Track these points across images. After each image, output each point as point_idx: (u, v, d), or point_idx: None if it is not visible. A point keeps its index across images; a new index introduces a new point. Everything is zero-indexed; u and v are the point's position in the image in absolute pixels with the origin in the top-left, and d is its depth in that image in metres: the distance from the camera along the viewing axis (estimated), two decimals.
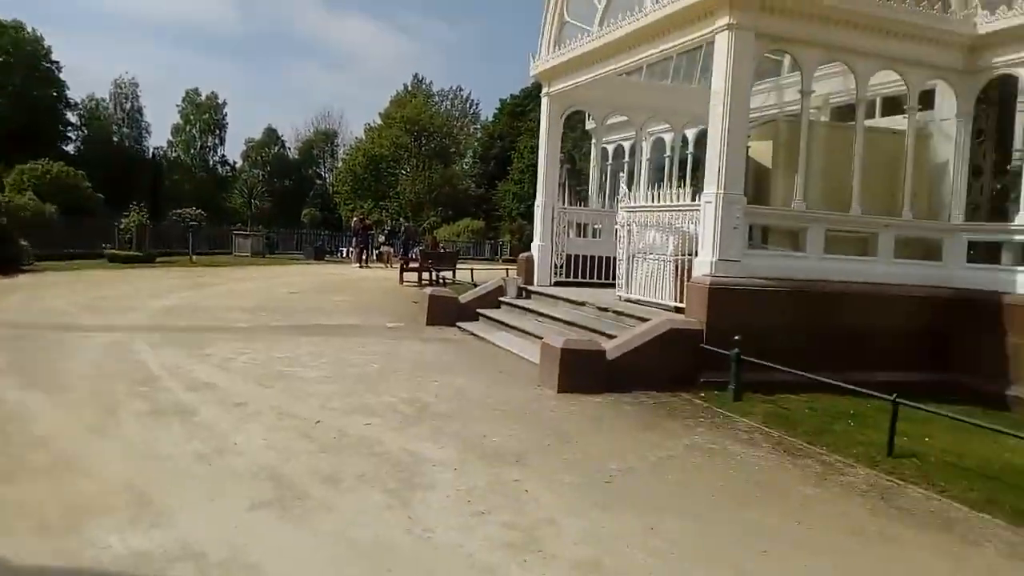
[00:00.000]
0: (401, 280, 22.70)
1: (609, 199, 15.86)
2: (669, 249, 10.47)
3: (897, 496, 5.45)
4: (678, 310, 10.07)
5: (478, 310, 13.69)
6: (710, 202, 9.06)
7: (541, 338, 10.65)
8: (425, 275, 22.94)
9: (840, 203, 9.91)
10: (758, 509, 5.09)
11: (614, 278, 14.06)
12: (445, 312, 13.47)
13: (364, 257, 30.54)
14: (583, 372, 8.25)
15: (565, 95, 13.71)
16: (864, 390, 7.81)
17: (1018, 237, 9.47)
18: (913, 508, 5.24)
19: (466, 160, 65.26)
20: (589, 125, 18.16)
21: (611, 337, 9.57)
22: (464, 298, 13.95)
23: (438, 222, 53.57)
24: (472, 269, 23.16)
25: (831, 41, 9.17)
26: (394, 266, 28.29)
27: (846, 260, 9.79)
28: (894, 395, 6.55)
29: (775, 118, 11.27)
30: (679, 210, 9.97)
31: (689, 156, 15.94)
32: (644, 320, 9.85)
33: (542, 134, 14.04)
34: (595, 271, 14.19)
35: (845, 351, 9.24)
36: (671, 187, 10.69)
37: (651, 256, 10.86)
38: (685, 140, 15.81)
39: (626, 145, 17.28)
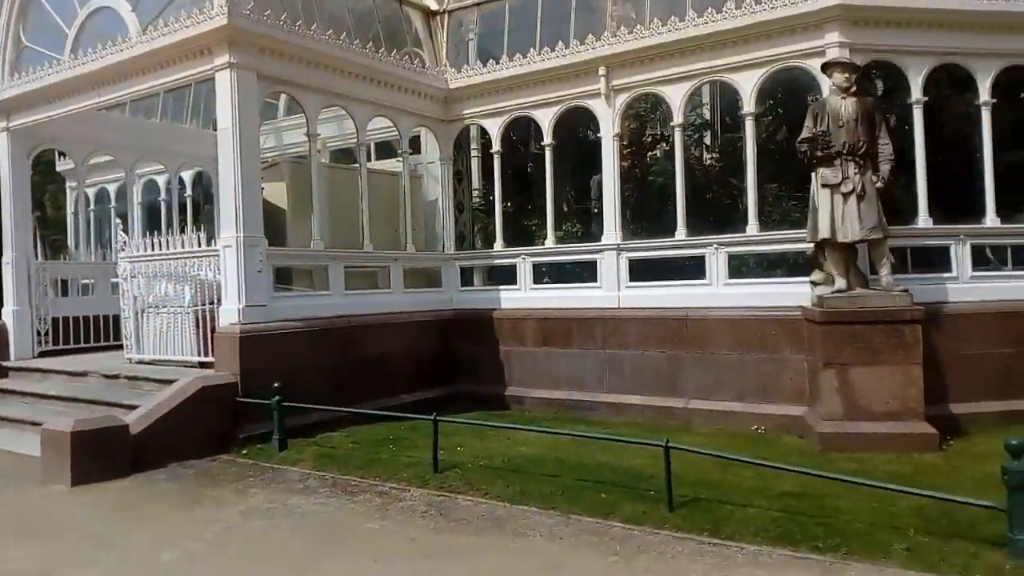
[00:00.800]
0: None
1: (100, 249, 13.91)
2: (186, 299, 9.64)
3: (452, 509, 5.89)
4: (203, 365, 9.34)
5: None
6: (230, 246, 8.61)
7: (39, 424, 8.83)
8: None
9: (354, 241, 10.42)
10: (331, 559, 4.94)
11: (116, 339, 12.49)
12: None
13: None
14: (102, 456, 6.99)
15: (31, 131, 11.54)
16: (396, 414, 8.38)
17: (497, 262, 11.22)
18: (468, 517, 5.71)
19: None
20: (63, 166, 15.71)
21: (131, 408, 8.35)
22: None
23: None
24: None
25: (331, 87, 9.59)
26: None
27: (365, 294, 10.32)
28: (434, 414, 7.08)
29: (281, 160, 11.29)
30: (194, 256, 9.25)
31: (188, 199, 14.99)
32: (168, 382, 8.85)
33: (3, 178, 11.57)
34: (93, 334, 12.28)
35: (373, 380, 9.76)
36: (172, 232, 9.90)
37: (165, 309, 9.84)
38: (182, 182, 14.81)
39: (112, 188, 15.46)
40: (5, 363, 11.26)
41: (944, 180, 8.94)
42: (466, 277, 11.64)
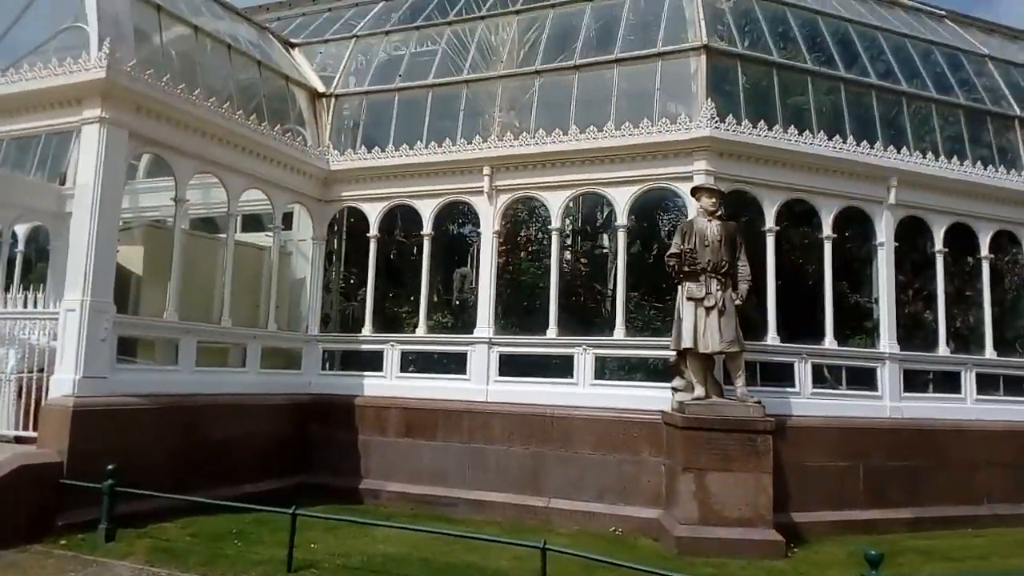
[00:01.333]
0: None
1: None
2: (10, 364, 8.57)
3: None
4: (20, 440, 8.27)
5: None
6: (73, 310, 7.83)
7: None
8: None
9: (210, 313, 9.80)
10: None
11: None
12: None
13: None
14: None
15: None
16: (241, 504, 7.71)
17: (365, 347, 10.91)
18: None
19: None
20: None
21: None
22: None
23: None
24: None
25: (207, 154, 9.20)
26: None
27: (217, 372, 9.66)
28: (293, 507, 6.58)
29: (138, 223, 10.56)
30: (26, 318, 8.31)
31: (19, 254, 13.56)
32: None
33: None
34: None
35: (215, 466, 9.01)
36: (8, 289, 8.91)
37: None
38: (14, 236, 13.42)
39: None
40: None
41: (791, 302, 9.78)
42: (329, 361, 11.21)
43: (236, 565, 6.44)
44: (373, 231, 11.01)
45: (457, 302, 11.81)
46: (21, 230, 13.55)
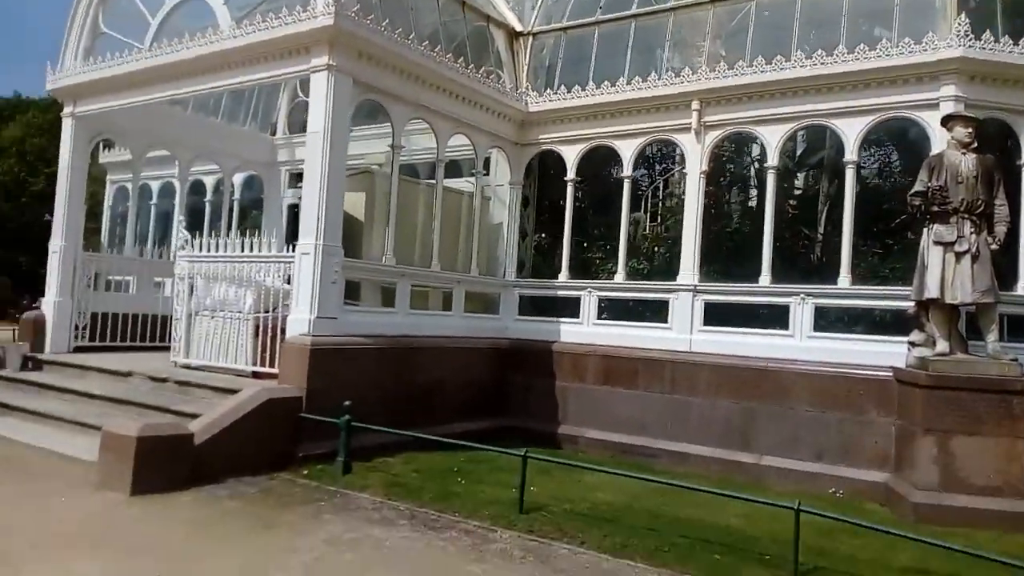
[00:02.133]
0: None
1: (139, 246, 13.53)
2: (247, 305, 9.25)
3: (552, 557, 5.42)
4: (257, 375, 8.95)
5: None
6: (308, 254, 8.24)
7: (77, 423, 8.45)
8: None
9: (418, 258, 10.06)
10: None
11: (156, 340, 12.09)
12: None
13: None
14: (164, 465, 6.54)
15: (96, 119, 11.25)
16: (458, 442, 7.90)
17: (561, 293, 10.84)
18: (570, 568, 5.25)
19: None
20: (108, 158, 15.46)
21: (183, 415, 7.94)
22: None
23: None
24: None
25: (420, 100, 9.31)
26: None
27: (427, 315, 9.95)
28: (524, 450, 6.63)
29: (365, 169, 10.91)
30: (263, 261, 8.88)
31: (236, 203, 14.65)
32: (220, 391, 8.46)
33: (63, 164, 11.25)
34: (130, 333, 11.87)
35: (425, 406, 9.32)
36: (216, 235, 9.60)
37: (222, 314, 9.45)
38: (232, 185, 14.48)
39: (154, 186, 15.16)
40: (39, 355, 10.83)
41: None
42: (524, 306, 11.25)
43: (468, 504, 6.60)
44: (570, 174, 10.79)
45: (666, 249, 11.33)
46: (238, 179, 14.63)
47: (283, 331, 8.97)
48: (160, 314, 12.17)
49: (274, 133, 14.59)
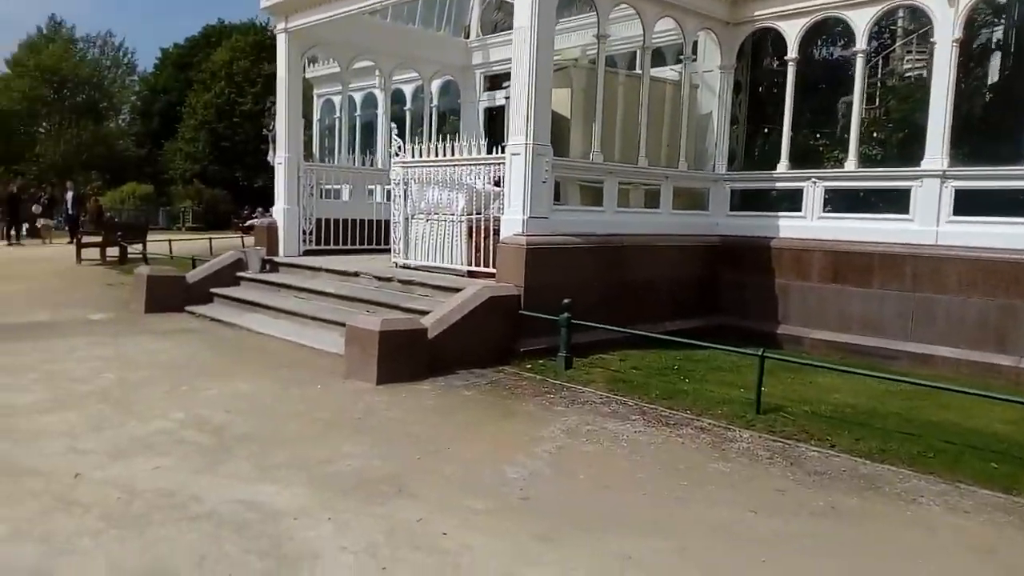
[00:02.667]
0: (79, 258, 18.79)
1: (352, 155, 14.22)
2: (459, 207, 9.44)
3: (802, 460, 5.14)
4: (472, 274, 9.18)
5: (212, 290, 11.40)
6: (518, 154, 8.17)
7: (316, 319, 9.14)
8: (111, 251, 19.31)
9: (620, 154, 9.69)
10: (700, 503, 4.38)
11: (371, 243, 12.77)
12: (169, 295, 11.00)
13: (14, 233, 24.89)
14: (403, 357, 6.92)
15: (306, 33, 11.75)
16: (680, 340, 7.70)
17: (780, 185, 10.07)
18: (825, 470, 4.94)
19: (123, 117, 57.27)
20: (313, 72, 16.20)
21: (410, 312, 8.34)
22: (192, 276, 11.51)
23: (102, 188, 46.55)
24: (170, 240, 19.94)
25: None
26: (51, 242, 23.98)
27: (635, 213, 9.65)
28: (761, 350, 6.31)
29: (570, 64, 10.60)
30: (475, 164, 8.94)
31: (434, 109, 14.89)
32: (439, 288, 8.78)
33: (280, 78, 11.94)
34: (349, 237, 12.63)
35: (635, 304, 9.14)
36: (419, 141, 9.74)
37: (436, 216, 9.73)
38: (430, 92, 14.70)
39: (358, 97, 15.71)
40: (275, 258, 11.82)
41: None
42: (736, 200, 10.60)
43: (699, 402, 6.42)
44: (791, 53, 9.75)
45: (904, 131, 10.11)
46: (435, 86, 14.79)
47: (495, 232, 9.12)
48: (372, 219, 12.84)
49: (467, 36, 14.53)
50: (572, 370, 7.48)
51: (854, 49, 9.26)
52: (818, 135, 10.27)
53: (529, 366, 7.59)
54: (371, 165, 12.91)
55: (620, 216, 9.34)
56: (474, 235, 9.22)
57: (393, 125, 10.98)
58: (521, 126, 8.13)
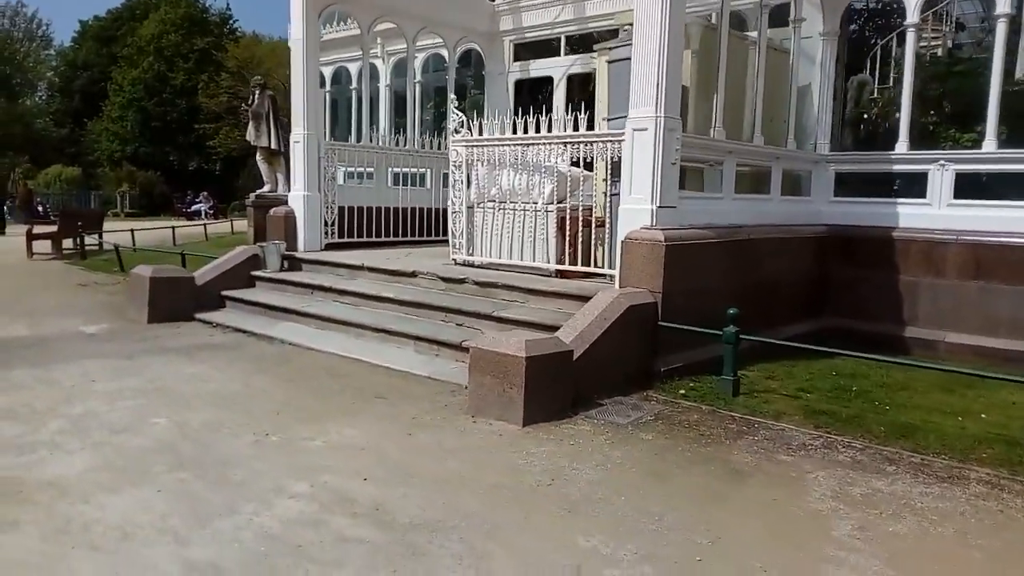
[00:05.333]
0: (30, 252, 16.55)
1: (374, 131, 12.45)
2: (545, 194, 7.94)
3: None
4: (562, 274, 7.74)
5: (224, 292, 9.63)
6: (644, 129, 6.69)
7: (381, 330, 7.60)
8: (66, 242, 17.14)
9: (730, 130, 8.34)
10: None
11: (402, 235, 11.18)
12: (177, 301, 9.23)
13: None
14: (548, 388, 5.42)
15: None
16: (822, 349, 6.58)
17: (897, 167, 8.88)
18: None
19: (40, 94, 53.35)
20: (330, 34, 14.25)
21: (499, 321, 6.95)
22: (201, 277, 9.66)
23: (30, 171, 43.19)
24: (132, 230, 17.77)
25: None
26: None
27: (749, 199, 8.34)
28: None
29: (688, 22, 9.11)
30: (574, 142, 7.41)
31: (450, 82, 13.16)
32: (533, 292, 7.32)
33: (295, 42, 10.10)
34: (374, 228, 10.97)
35: (761, 305, 7.82)
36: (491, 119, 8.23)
37: (512, 205, 8.20)
38: (455, 61, 12.99)
39: (381, 66, 13.87)
40: (295, 254, 10.08)
41: None
42: (841, 185, 9.37)
43: (943, 441, 5.11)
44: (911, 17, 8.55)
45: None
46: (457, 54, 13.08)
47: (590, 223, 7.73)
48: (400, 207, 11.22)
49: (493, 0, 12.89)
50: (744, 396, 6.10)
51: (995, 12, 8.10)
52: (931, 112, 9.10)
53: (682, 391, 6.19)
54: (398, 145, 11.18)
55: (737, 203, 8.02)
56: (565, 228, 7.74)
57: (453, 98, 9.28)
58: (649, 94, 6.64)
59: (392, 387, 6.27)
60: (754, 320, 7.57)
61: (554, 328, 6.36)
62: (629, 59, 7.06)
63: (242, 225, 19.17)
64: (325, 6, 10.39)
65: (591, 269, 7.67)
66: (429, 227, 11.58)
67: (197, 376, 6.52)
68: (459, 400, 5.83)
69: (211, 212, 36.09)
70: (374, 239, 10.94)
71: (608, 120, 7.59)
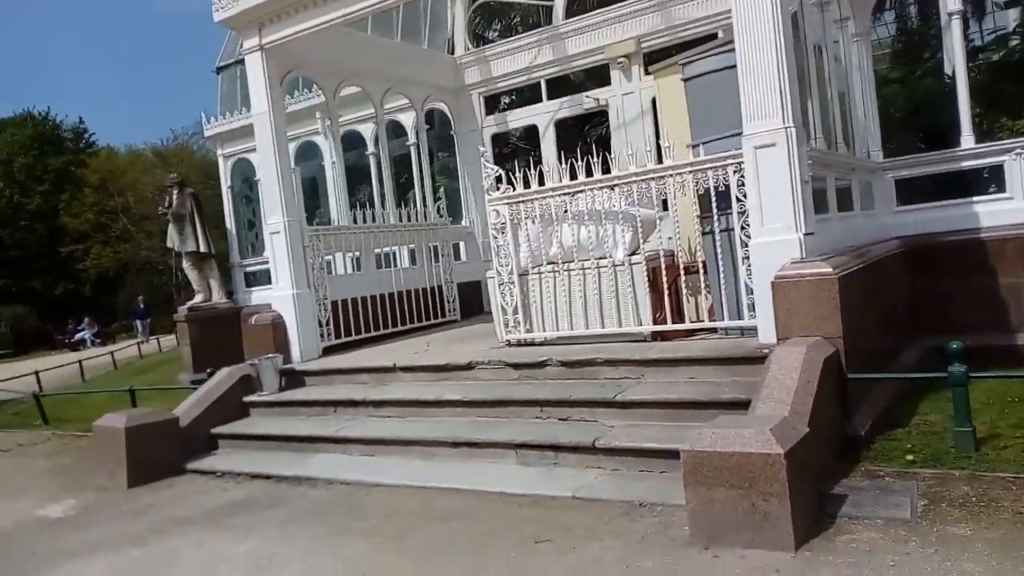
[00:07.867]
0: None
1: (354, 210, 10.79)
2: (625, 243, 6.59)
3: None
4: (660, 336, 6.39)
5: (213, 430, 7.64)
6: (772, 144, 5.51)
7: (463, 444, 5.99)
8: None
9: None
10: None
11: (404, 324, 9.59)
12: (158, 452, 7.19)
13: None
14: (808, 490, 3.96)
15: (287, 51, 8.49)
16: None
17: (965, 164, 8.11)
18: None
19: None
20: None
21: (621, 405, 5.49)
22: (184, 416, 7.62)
23: None
24: (36, 372, 15.17)
25: None
26: None
27: (847, 218, 7.27)
28: None
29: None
30: (665, 175, 6.13)
31: (413, 148, 11.69)
32: (644, 363, 5.90)
33: (260, 116, 8.44)
34: (375, 320, 9.30)
35: (888, 334, 6.83)
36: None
37: (577, 265, 6.82)
38: (422, 122, 11.54)
39: (324, 143, 12.28)
40: (292, 366, 8.25)
41: None
42: (902, 192, 8.53)
43: None
44: (952, 4, 7.93)
45: None
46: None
47: (687, 271, 6.49)
48: (389, 292, 9.59)
49: (452, 51, 11.69)
50: (978, 452, 4.82)
51: None
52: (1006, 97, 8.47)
53: (908, 457, 4.82)
54: (381, 221, 9.57)
55: (843, 223, 6.93)
56: (658, 281, 6.40)
57: (483, 149, 7.87)
58: (770, 103, 5.50)
59: (535, 522, 4.60)
60: (883, 353, 6.53)
61: (711, 405, 4.99)
62: (717, 71, 5.98)
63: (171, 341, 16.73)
64: (286, 71, 8.82)
65: (701, 324, 6.34)
66: (427, 310, 10.03)
67: (261, 558, 4.62)
68: (655, 523, 4.27)
69: (97, 340, 32.54)
70: (374, 333, 9.25)
71: (693, 146, 6.39)
